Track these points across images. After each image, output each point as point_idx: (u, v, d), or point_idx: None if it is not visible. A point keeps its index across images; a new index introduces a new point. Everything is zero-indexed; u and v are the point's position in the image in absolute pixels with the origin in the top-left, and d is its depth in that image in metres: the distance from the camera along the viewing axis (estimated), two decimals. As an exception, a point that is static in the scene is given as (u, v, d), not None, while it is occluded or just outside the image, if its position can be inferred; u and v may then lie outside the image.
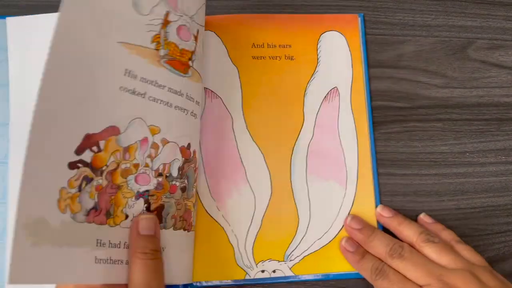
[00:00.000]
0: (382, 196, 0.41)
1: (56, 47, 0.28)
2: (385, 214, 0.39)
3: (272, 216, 0.39)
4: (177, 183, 0.34)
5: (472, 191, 0.42)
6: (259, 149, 0.40)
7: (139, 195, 0.32)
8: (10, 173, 0.38)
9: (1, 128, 0.39)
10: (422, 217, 0.40)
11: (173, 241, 0.34)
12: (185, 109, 0.35)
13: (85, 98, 0.30)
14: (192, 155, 0.36)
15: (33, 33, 0.40)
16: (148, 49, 0.33)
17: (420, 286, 0.33)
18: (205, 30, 0.41)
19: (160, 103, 0.33)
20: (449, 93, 0.44)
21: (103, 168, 0.30)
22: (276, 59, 0.42)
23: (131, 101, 0.32)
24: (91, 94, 0.30)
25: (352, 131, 0.41)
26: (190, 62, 0.36)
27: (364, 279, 0.37)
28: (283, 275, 0.38)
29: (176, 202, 0.34)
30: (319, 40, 0.43)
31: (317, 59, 0.43)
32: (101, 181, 0.30)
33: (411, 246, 0.36)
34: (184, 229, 0.35)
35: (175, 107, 0.34)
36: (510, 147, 0.43)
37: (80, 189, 0.29)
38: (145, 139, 0.33)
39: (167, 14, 0.34)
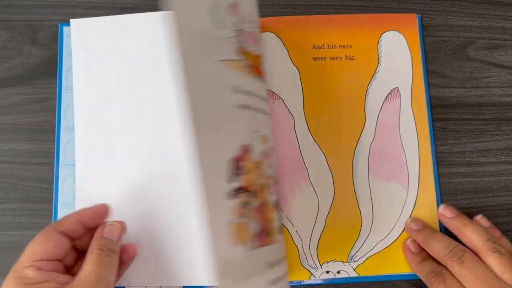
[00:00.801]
0: (442, 196, 0.41)
1: (189, 84, 0.27)
2: (448, 214, 0.38)
3: (336, 217, 0.40)
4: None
5: (471, 191, 0.42)
6: (321, 150, 0.41)
7: (275, 206, 0.32)
8: (77, 175, 0.39)
9: (74, 132, 0.40)
10: (479, 219, 0.39)
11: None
12: (268, 113, 0.35)
13: (218, 123, 0.28)
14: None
15: (96, 34, 0.41)
16: (238, 62, 0.32)
17: None
18: (266, 31, 0.42)
19: (260, 112, 0.33)
20: (449, 93, 0.44)
21: (255, 189, 0.29)
22: (336, 59, 0.42)
23: (244, 116, 0.31)
24: (220, 119, 0.29)
25: (413, 132, 0.41)
26: (261, 67, 0.36)
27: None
28: (347, 276, 0.39)
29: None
30: (380, 40, 0.43)
31: (378, 59, 0.43)
32: (255, 202, 0.29)
33: (474, 251, 0.34)
34: None
35: (266, 113, 0.35)
36: (509, 146, 0.43)
37: (242, 216, 0.28)
38: (266, 151, 0.32)
39: (237, 23, 0.32)
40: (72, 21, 0.41)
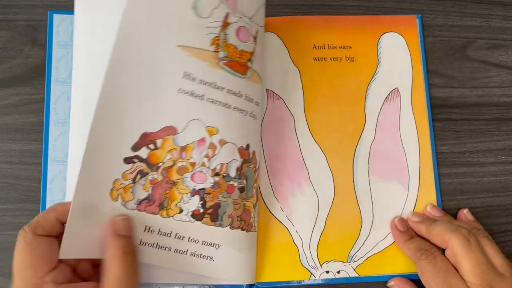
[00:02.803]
0: (443, 197, 0.41)
1: (117, 49, 0.31)
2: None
3: (336, 217, 0.40)
4: (235, 183, 0.35)
5: (472, 191, 0.42)
6: (321, 150, 0.41)
7: (194, 192, 0.34)
8: (69, 171, 0.37)
9: (64, 126, 0.39)
10: (465, 213, 0.40)
11: (230, 239, 0.35)
12: (244, 110, 0.36)
13: (144, 98, 0.32)
14: (251, 155, 0.36)
15: (100, 16, 0.35)
16: (208, 52, 0.34)
17: (464, 280, 0.33)
18: (266, 31, 0.42)
19: (218, 105, 0.34)
20: (449, 93, 0.44)
21: (159, 165, 0.33)
22: (336, 60, 0.43)
23: (189, 102, 0.33)
24: (150, 95, 0.33)
25: (413, 132, 0.42)
26: (249, 63, 0.36)
27: None
28: (347, 276, 0.39)
29: (233, 202, 0.35)
30: (379, 41, 0.43)
31: (378, 60, 0.43)
32: (157, 176, 0.33)
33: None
34: (242, 229, 0.36)
35: (233, 108, 0.35)
36: (509, 147, 0.43)
37: (134, 181, 0.33)
38: (202, 140, 0.34)
39: (226, 15, 0.35)
40: None
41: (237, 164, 0.35)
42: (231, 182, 0.35)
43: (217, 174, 0.34)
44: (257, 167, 0.37)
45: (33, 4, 0.43)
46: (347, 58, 0.43)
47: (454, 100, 0.43)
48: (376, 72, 0.43)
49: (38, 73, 0.42)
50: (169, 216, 0.34)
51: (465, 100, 0.44)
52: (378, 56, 0.43)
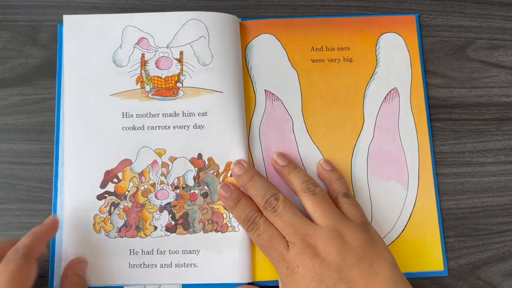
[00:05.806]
0: (442, 196, 0.41)
1: (67, 109, 0.39)
2: (280, 163, 0.39)
3: None
4: (196, 191, 0.39)
5: (471, 191, 0.42)
6: (320, 151, 0.41)
7: (162, 208, 0.39)
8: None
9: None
10: (322, 163, 0.40)
11: (206, 243, 0.38)
12: (185, 126, 0.39)
13: (99, 143, 0.39)
14: (207, 163, 0.39)
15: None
16: (135, 91, 0.40)
17: (287, 242, 0.34)
18: (265, 33, 0.43)
19: (158, 129, 0.39)
20: (449, 93, 0.44)
21: (126, 193, 0.39)
22: (334, 61, 0.43)
23: (134, 135, 0.39)
24: (102, 139, 0.39)
25: (412, 131, 0.42)
26: (178, 84, 0.40)
27: (431, 278, 0.37)
28: None
29: (200, 208, 0.39)
30: (378, 41, 0.43)
31: (376, 61, 0.43)
32: (127, 203, 0.39)
33: (297, 196, 0.37)
34: (217, 231, 0.38)
35: (173, 127, 0.39)
36: (509, 147, 0.43)
37: (110, 213, 0.38)
38: (154, 162, 0.39)
39: (142, 56, 0.41)
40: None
41: (192, 174, 0.39)
42: (192, 191, 0.39)
43: (176, 187, 0.39)
44: (219, 171, 0.39)
45: (33, 5, 0.43)
46: (345, 60, 0.43)
47: (454, 100, 0.44)
48: (375, 72, 0.43)
49: (39, 73, 0.42)
50: (147, 236, 0.38)
51: (464, 100, 0.44)
52: (376, 56, 0.43)
